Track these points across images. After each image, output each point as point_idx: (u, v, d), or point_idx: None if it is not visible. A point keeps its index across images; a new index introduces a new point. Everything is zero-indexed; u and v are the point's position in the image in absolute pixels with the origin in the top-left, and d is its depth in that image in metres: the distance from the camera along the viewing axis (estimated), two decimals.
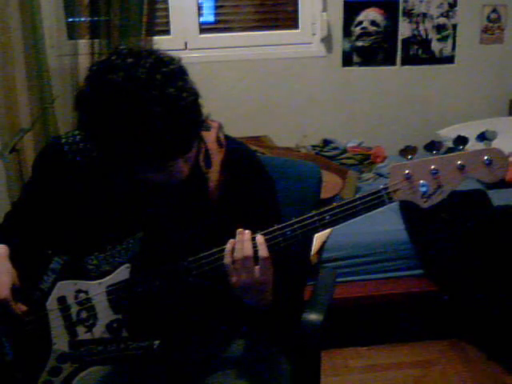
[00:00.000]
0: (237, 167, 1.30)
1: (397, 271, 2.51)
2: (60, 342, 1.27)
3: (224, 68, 3.42)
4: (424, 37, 3.50)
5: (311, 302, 1.49)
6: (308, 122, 3.51)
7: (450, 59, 3.55)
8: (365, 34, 3.45)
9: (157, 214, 1.27)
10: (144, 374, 1.30)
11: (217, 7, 3.48)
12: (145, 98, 1.05)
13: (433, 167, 1.12)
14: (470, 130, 3.24)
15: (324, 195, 1.67)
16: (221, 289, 1.22)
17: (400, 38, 3.49)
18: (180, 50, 3.32)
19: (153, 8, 3.17)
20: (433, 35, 3.50)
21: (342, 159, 3.20)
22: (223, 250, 1.18)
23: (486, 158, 1.11)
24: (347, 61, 3.48)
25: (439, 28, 3.50)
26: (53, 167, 1.30)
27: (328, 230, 1.18)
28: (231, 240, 1.17)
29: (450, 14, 3.48)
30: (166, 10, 3.34)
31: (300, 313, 1.42)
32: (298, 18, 3.46)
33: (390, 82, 3.54)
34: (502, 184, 2.76)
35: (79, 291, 1.26)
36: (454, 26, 3.51)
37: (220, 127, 1.32)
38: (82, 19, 3.14)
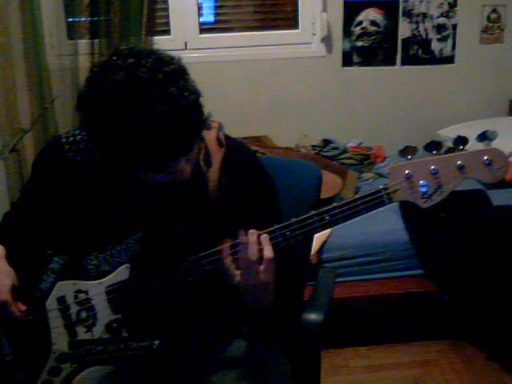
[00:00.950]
0: (237, 167, 1.29)
1: (397, 271, 2.51)
2: (60, 342, 1.27)
3: (224, 68, 3.42)
4: (424, 37, 3.50)
5: (311, 302, 1.49)
6: (308, 121, 3.51)
7: (449, 59, 3.55)
8: (365, 33, 3.45)
9: (156, 214, 1.27)
10: (144, 373, 1.29)
11: (217, 7, 3.48)
12: (147, 97, 1.05)
13: (433, 167, 1.12)
14: (470, 130, 3.23)
15: (324, 195, 1.67)
16: (221, 289, 1.22)
17: (400, 37, 3.48)
18: (180, 50, 3.32)
19: (153, 8, 3.17)
20: (433, 35, 3.50)
21: (341, 159, 3.20)
22: (223, 249, 1.18)
23: (485, 158, 1.11)
24: (347, 61, 3.48)
25: (439, 28, 3.50)
26: (53, 166, 1.30)
27: (328, 230, 1.18)
28: (230, 241, 1.17)
29: (450, 13, 3.48)
30: (166, 9, 3.34)
31: (300, 313, 1.42)
32: (297, 18, 3.46)
33: (389, 82, 3.54)
34: (502, 184, 2.76)
35: (79, 291, 1.26)
36: (454, 26, 3.50)
37: (220, 127, 1.32)
38: (82, 19, 3.14)
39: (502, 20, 3.53)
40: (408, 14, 3.45)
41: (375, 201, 1.14)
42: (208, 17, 3.46)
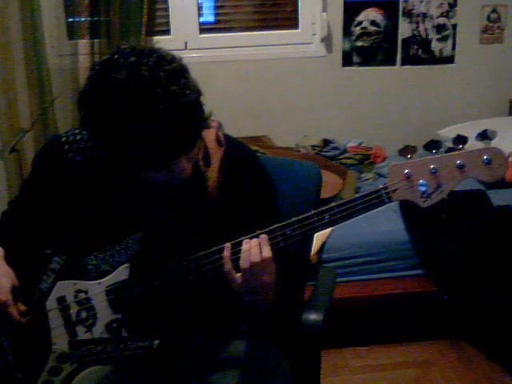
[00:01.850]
0: (236, 166, 1.29)
1: (397, 271, 2.51)
2: (60, 341, 1.27)
3: (224, 68, 3.42)
4: (424, 37, 3.50)
5: (311, 302, 1.49)
6: (308, 122, 3.51)
7: (450, 59, 3.55)
8: (365, 33, 3.45)
9: (156, 214, 1.27)
10: (144, 373, 1.29)
11: (217, 7, 3.47)
12: (149, 95, 1.05)
13: (432, 166, 1.12)
14: (470, 130, 3.21)
15: (324, 195, 1.67)
16: (220, 288, 1.22)
17: (400, 37, 3.48)
18: (180, 49, 3.31)
19: (153, 8, 3.18)
20: (433, 35, 3.50)
21: (341, 159, 3.20)
22: (222, 248, 1.18)
23: (485, 157, 1.11)
24: (347, 61, 3.48)
25: (439, 28, 3.50)
26: (52, 166, 1.30)
27: (328, 230, 1.18)
28: (228, 245, 1.17)
29: (450, 13, 3.48)
30: (166, 9, 3.34)
31: (300, 313, 1.42)
32: (297, 18, 3.46)
33: (389, 82, 3.54)
34: (502, 184, 2.76)
35: (79, 291, 1.26)
36: (454, 26, 3.50)
37: (219, 126, 1.32)
38: (82, 19, 3.14)
39: (502, 20, 3.53)
40: (408, 13, 3.45)
41: (375, 200, 1.14)
42: (208, 17, 3.46)
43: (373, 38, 3.46)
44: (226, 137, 1.32)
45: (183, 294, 1.24)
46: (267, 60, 3.45)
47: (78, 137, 1.30)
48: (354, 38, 3.45)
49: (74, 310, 1.26)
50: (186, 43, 3.38)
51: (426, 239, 2.47)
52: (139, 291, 1.23)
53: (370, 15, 3.43)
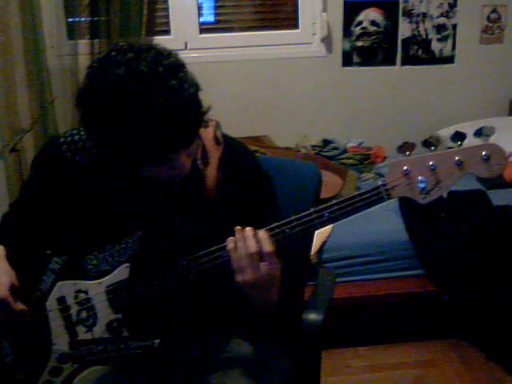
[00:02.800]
0: (234, 165, 1.30)
1: (397, 271, 2.50)
2: (60, 342, 1.27)
3: (224, 68, 3.42)
4: (424, 37, 3.50)
5: (311, 302, 1.48)
6: (308, 122, 3.51)
7: (450, 59, 3.55)
8: (365, 33, 3.45)
9: (155, 213, 1.27)
10: (144, 373, 1.29)
11: (217, 7, 3.47)
12: (148, 90, 1.05)
13: (431, 163, 1.12)
14: (470, 130, 3.22)
15: (324, 195, 1.67)
16: (221, 287, 1.22)
17: (400, 37, 3.48)
18: (180, 49, 3.31)
19: (153, 8, 3.18)
20: (433, 35, 3.50)
21: (341, 159, 3.20)
22: (222, 248, 1.18)
23: (484, 153, 1.10)
24: (347, 61, 3.48)
25: (439, 28, 3.50)
26: (51, 167, 1.30)
27: (328, 230, 1.17)
28: (231, 238, 1.17)
29: (450, 14, 3.48)
30: (166, 9, 3.34)
31: (300, 313, 1.42)
32: (297, 18, 3.46)
33: (390, 82, 3.54)
34: (502, 184, 2.76)
35: (79, 291, 1.26)
36: (454, 26, 3.50)
37: (217, 125, 1.32)
38: (82, 19, 3.14)
39: (502, 20, 3.53)
40: (408, 13, 3.45)
41: (374, 197, 1.14)
42: (208, 17, 3.46)
43: (373, 37, 3.46)
44: (224, 136, 1.32)
45: (183, 293, 1.24)
46: (267, 60, 3.45)
47: (77, 137, 1.30)
48: (353, 37, 3.45)
49: (74, 310, 1.26)
50: (185, 43, 3.38)
51: (426, 239, 2.47)
52: (139, 291, 1.23)
53: (369, 15, 3.43)
